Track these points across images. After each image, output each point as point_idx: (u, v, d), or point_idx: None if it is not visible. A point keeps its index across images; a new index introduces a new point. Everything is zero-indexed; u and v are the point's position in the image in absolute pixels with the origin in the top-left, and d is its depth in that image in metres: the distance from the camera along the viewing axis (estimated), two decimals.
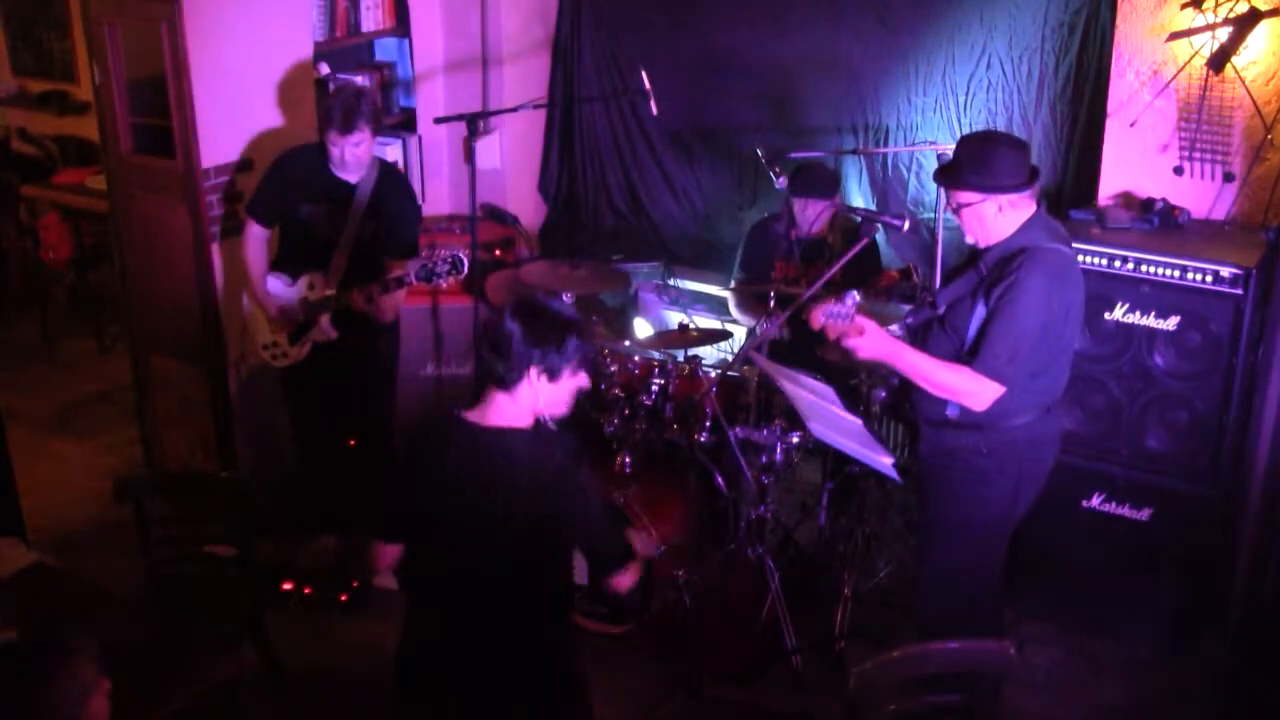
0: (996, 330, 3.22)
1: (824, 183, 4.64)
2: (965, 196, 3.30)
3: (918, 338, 3.49)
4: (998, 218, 3.29)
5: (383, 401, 4.77)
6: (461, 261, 4.17)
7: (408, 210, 4.58)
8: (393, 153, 5.56)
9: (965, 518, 3.46)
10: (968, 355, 3.28)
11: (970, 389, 3.25)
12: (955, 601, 3.52)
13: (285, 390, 4.68)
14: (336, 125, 4.22)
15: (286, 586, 4.43)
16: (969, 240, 3.39)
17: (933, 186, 4.81)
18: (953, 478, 3.45)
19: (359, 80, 5.44)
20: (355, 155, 4.29)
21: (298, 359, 4.50)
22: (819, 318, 3.29)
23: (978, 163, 3.28)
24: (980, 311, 3.27)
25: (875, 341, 3.30)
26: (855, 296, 3.26)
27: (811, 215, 4.60)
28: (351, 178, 4.37)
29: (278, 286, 4.44)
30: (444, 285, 4.28)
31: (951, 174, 3.34)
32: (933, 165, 4.61)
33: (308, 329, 4.44)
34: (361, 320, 4.41)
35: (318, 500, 4.78)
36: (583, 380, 2.77)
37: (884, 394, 3.59)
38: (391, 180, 4.53)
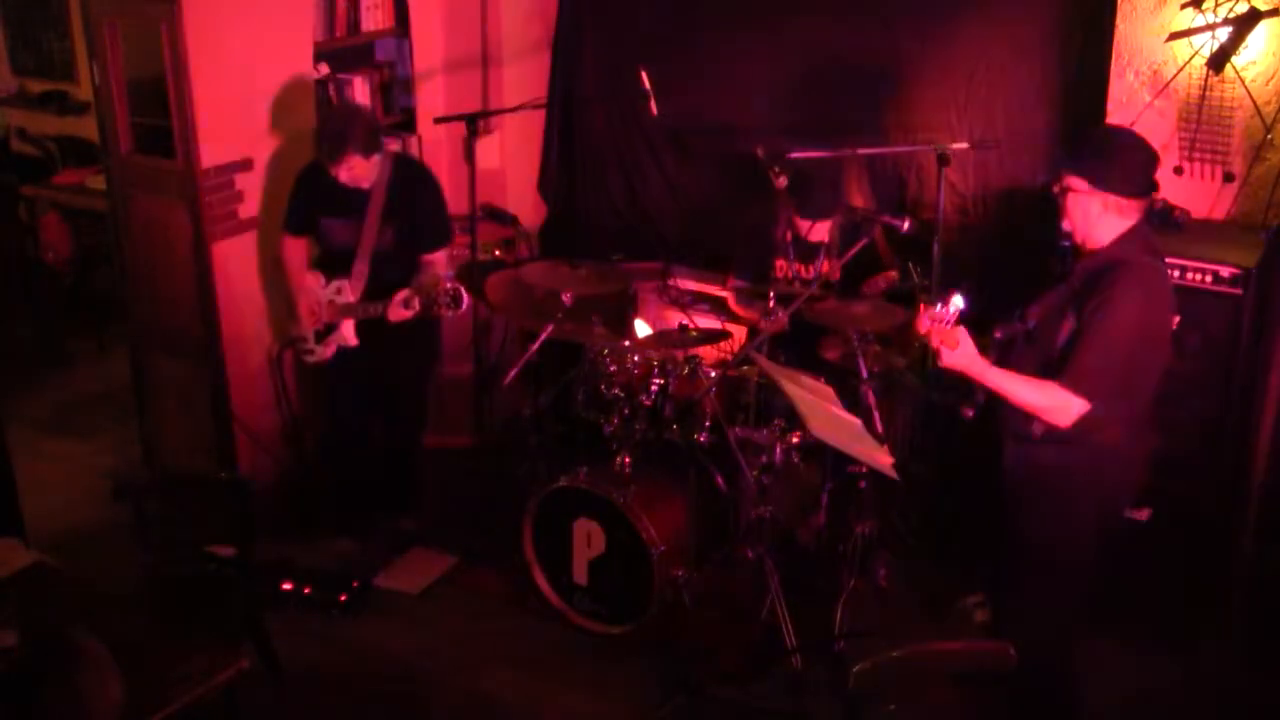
0: (1087, 345, 3.13)
1: (829, 203, 4.56)
2: (1075, 182, 3.20)
3: (1004, 351, 3.39)
4: (1100, 216, 3.19)
5: (413, 406, 4.79)
6: (461, 297, 4.18)
7: (431, 198, 4.57)
8: None
9: (1051, 539, 3.36)
10: (1054, 370, 3.19)
11: (1055, 405, 3.15)
12: (1044, 628, 3.41)
13: (323, 385, 4.75)
14: (324, 157, 4.25)
15: (286, 586, 4.43)
16: (1064, 227, 3.27)
17: (933, 186, 4.80)
18: (1037, 498, 3.36)
19: (357, 80, 5.44)
20: (352, 178, 4.31)
21: (322, 359, 4.56)
22: (925, 323, 3.19)
23: (1099, 155, 3.21)
24: (1070, 325, 3.19)
25: (963, 356, 3.19)
26: (959, 302, 3.14)
27: (817, 230, 4.57)
28: (364, 184, 4.38)
29: (316, 284, 4.51)
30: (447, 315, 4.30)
31: (1071, 156, 3.27)
32: (933, 165, 4.61)
33: (332, 331, 4.47)
34: (385, 331, 4.42)
35: (339, 501, 4.78)
36: None
37: (971, 413, 3.52)
38: (408, 172, 4.54)
